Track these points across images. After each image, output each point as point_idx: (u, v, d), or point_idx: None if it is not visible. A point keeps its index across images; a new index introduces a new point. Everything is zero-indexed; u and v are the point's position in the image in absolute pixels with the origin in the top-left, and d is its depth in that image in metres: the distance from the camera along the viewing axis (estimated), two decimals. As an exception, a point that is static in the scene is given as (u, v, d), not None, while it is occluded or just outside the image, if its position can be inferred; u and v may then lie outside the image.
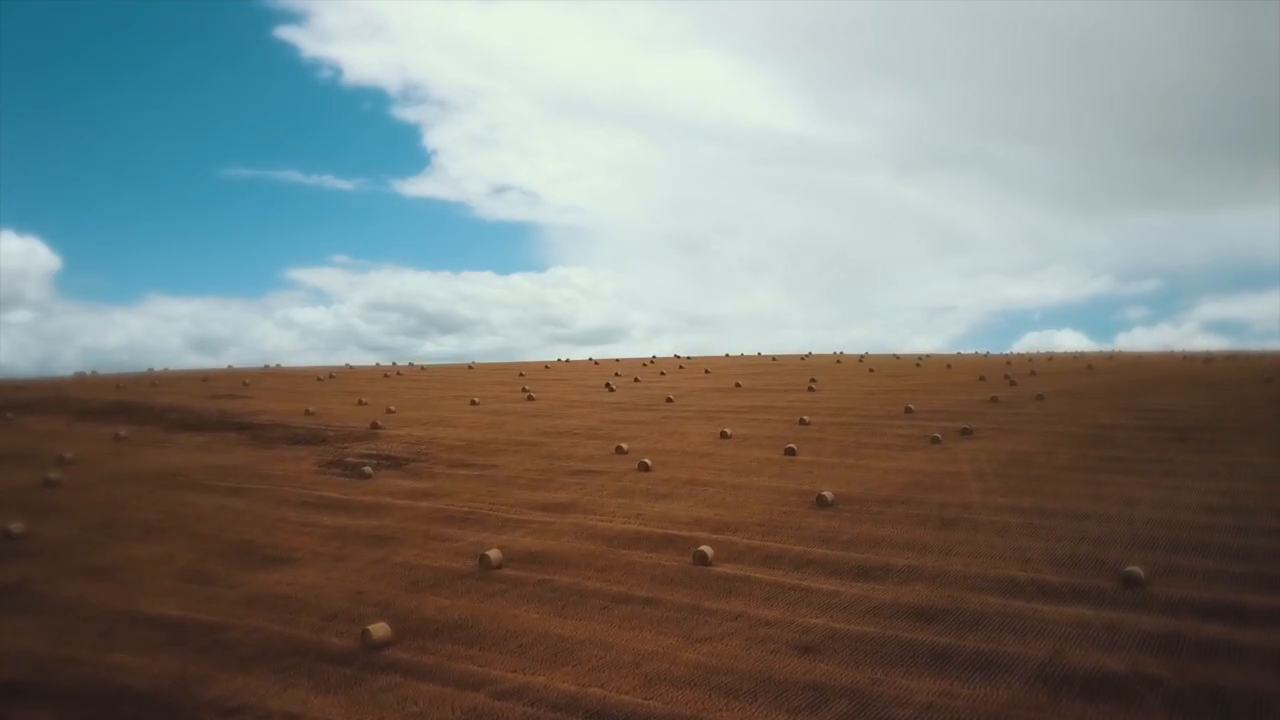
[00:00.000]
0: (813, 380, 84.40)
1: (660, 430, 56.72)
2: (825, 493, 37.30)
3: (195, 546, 32.15)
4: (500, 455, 48.95)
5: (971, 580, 27.29)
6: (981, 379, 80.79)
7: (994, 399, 64.58)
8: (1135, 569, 26.76)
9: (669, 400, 70.92)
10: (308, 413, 65.63)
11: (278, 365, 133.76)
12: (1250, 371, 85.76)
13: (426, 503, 38.31)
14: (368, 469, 44.23)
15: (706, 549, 29.44)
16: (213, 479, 43.41)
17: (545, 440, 53.58)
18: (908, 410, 60.28)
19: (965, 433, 51.94)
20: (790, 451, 47.83)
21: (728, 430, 53.80)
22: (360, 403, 71.96)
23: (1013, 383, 75.90)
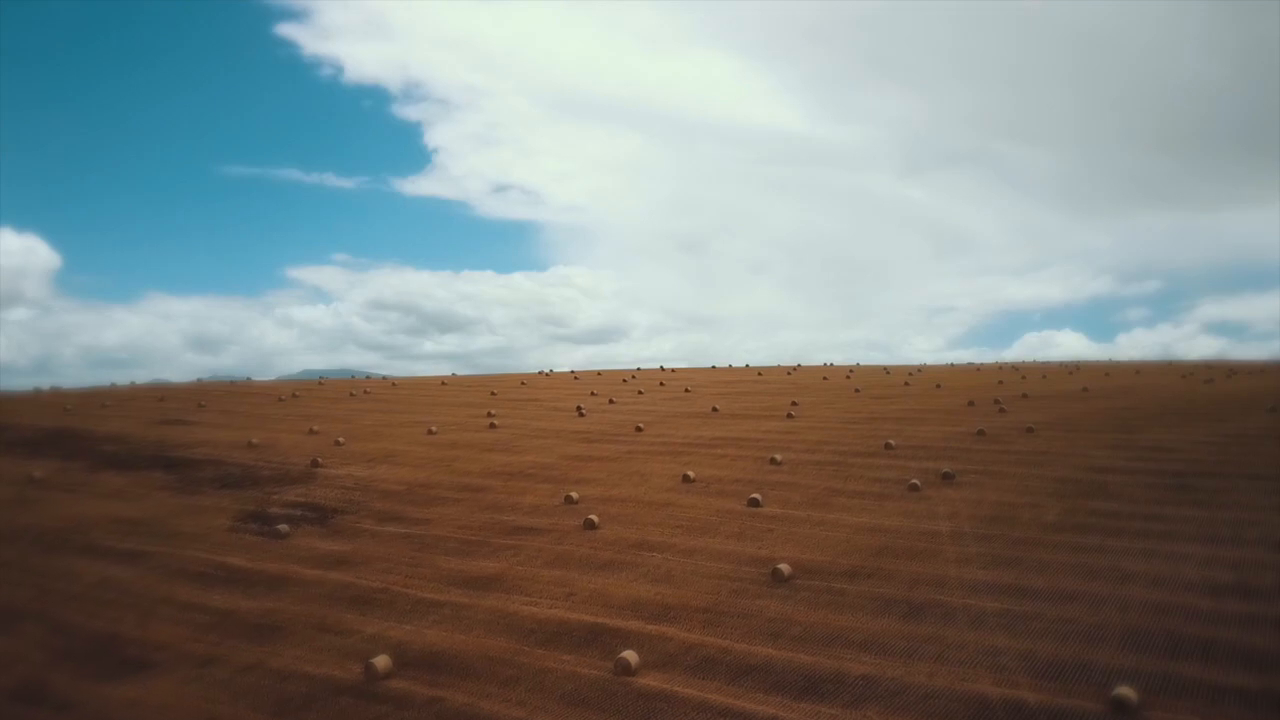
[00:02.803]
0: (794, 404, 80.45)
1: (621, 470, 52.73)
2: (782, 566, 33.30)
3: (51, 642, 28.20)
4: (438, 505, 44.92)
5: (935, 700, 23.32)
6: (970, 404, 76.85)
7: (981, 432, 60.58)
8: (1127, 692, 22.78)
9: (638, 429, 66.95)
10: (250, 444, 61.62)
11: (248, 379, 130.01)
12: (1252, 395, 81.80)
13: (337, 574, 34.31)
14: (284, 526, 40.20)
15: (630, 656, 25.44)
16: (113, 538, 39.45)
17: (493, 484, 49.56)
18: (888, 446, 56.29)
19: (947, 477, 47.96)
20: (754, 502, 43.84)
21: (690, 474, 49.82)
22: (311, 431, 67.97)
23: (1002, 409, 71.96)
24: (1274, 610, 28.91)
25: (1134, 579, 32.08)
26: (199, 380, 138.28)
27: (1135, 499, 43.07)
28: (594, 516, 40.50)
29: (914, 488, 46.16)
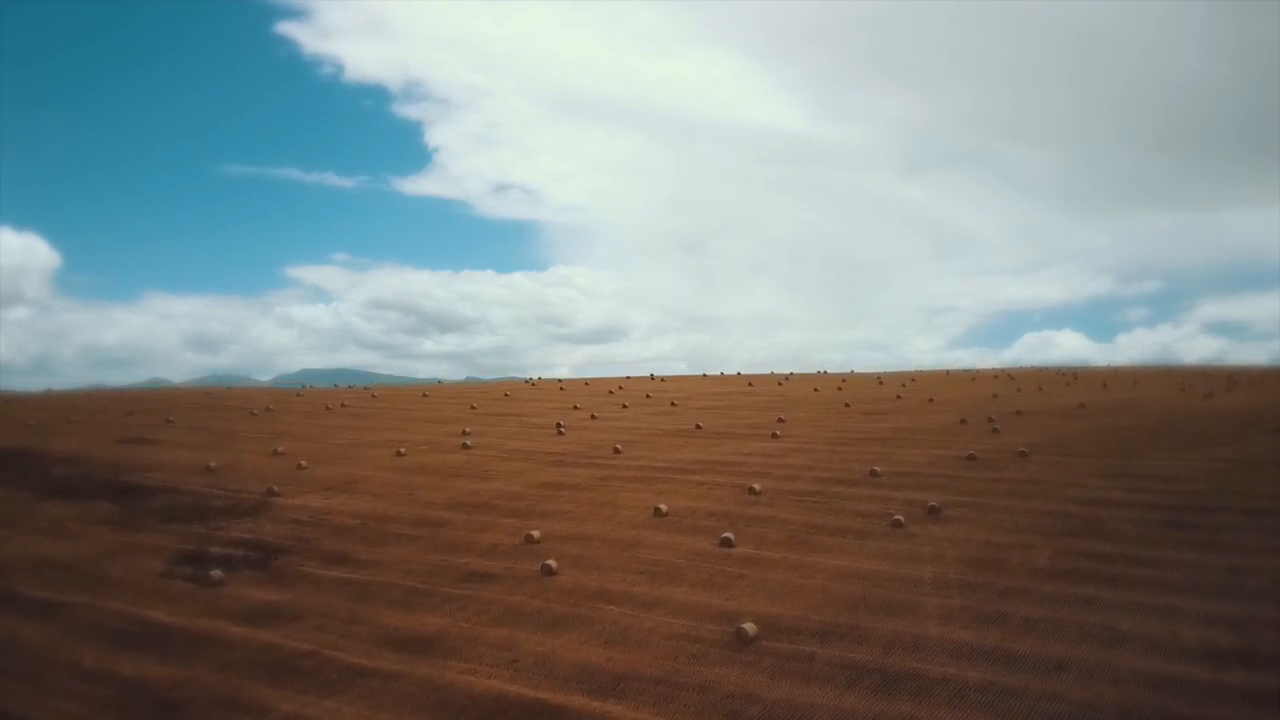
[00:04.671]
0: (780, 420, 77.97)
1: (591, 501, 50.13)
2: (747, 625, 30.68)
3: (-71, 724, 25.58)
4: (390, 544, 42.29)
5: (902, 806, 20.72)
6: (962, 421, 74.37)
7: (971, 456, 58.08)
8: (1117, 801, 20.19)
9: (616, 450, 64.41)
10: (208, 469, 58.99)
11: (227, 388, 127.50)
12: (1253, 412, 79.38)
13: (265, 632, 31.66)
14: (218, 572, 37.49)
15: (563, 749, 22.83)
16: (33, 585, 36.81)
17: (453, 518, 46.94)
18: (873, 474, 53.78)
19: (933, 512, 45.39)
20: (727, 542, 41.25)
21: (663, 506, 47.19)
22: (275, 453, 65.35)
23: (995, 429, 69.45)
24: (1278, 683, 26.38)
25: (1128, 641, 29.51)
26: (175, 388, 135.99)
27: (1130, 538, 40.55)
28: (552, 561, 37.87)
29: (898, 524, 43.58)
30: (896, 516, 44.35)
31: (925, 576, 36.49)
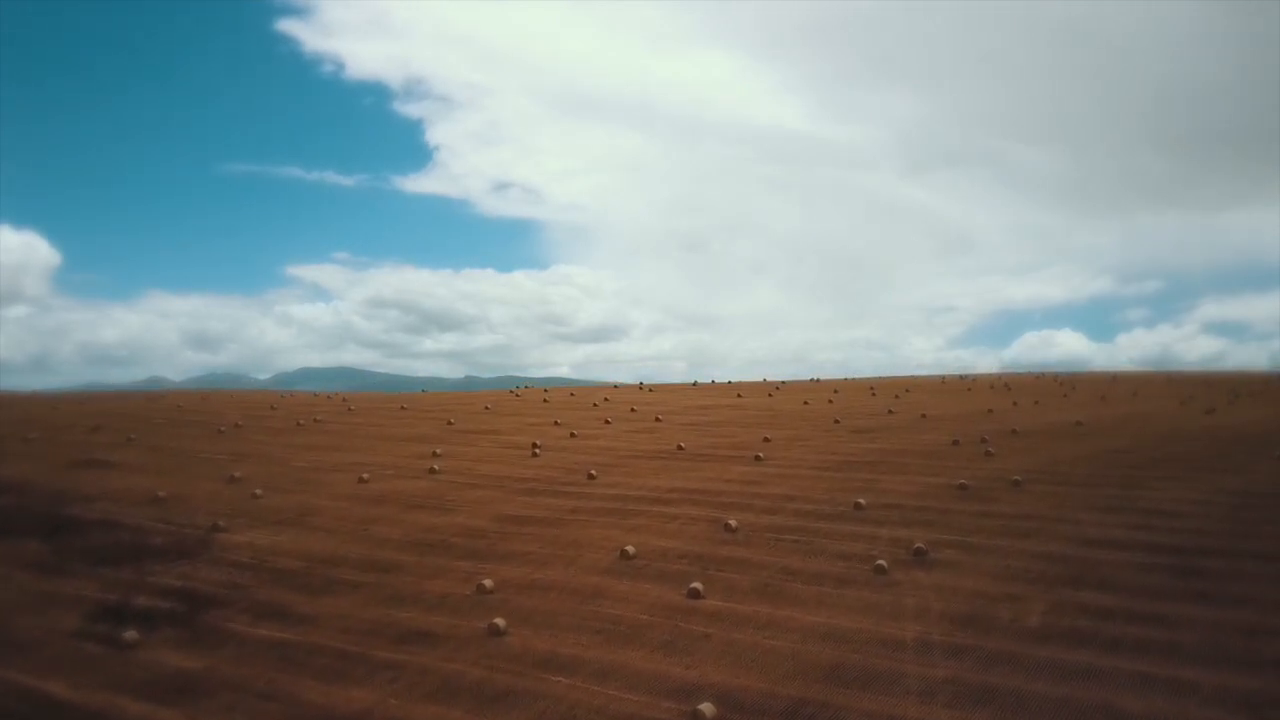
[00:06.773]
0: (765, 439, 74.83)
1: (556, 539, 46.94)
2: (704, 707, 27.50)
3: None
4: (331, 594, 39.10)
5: None
6: (955, 443, 71.17)
7: (962, 486, 54.98)
8: None
9: (591, 476, 61.27)
10: (156, 498, 55.78)
11: (203, 395, 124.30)
12: (1257, 430, 76.31)
13: (168, 712, 28.42)
14: (132, 634, 34.19)
15: None
16: (-72, 649, 33.61)
17: (406, 560, 43.76)
18: (857, 507, 50.66)
19: (919, 555, 42.28)
20: (694, 593, 38.07)
21: (630, 548, 44.02)
22: (232, 479, 62.11)
23: (989, 452, 66.29)
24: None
25: (1130, 725, 26.42)
26: (159, 392, 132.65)
27: (1131, 588, 37.40)
28: (500, 620, 34.63)
29: (880, 569, 40.47)
30: (880, 560, 41.25)
31: (908, 638, 33.35)
